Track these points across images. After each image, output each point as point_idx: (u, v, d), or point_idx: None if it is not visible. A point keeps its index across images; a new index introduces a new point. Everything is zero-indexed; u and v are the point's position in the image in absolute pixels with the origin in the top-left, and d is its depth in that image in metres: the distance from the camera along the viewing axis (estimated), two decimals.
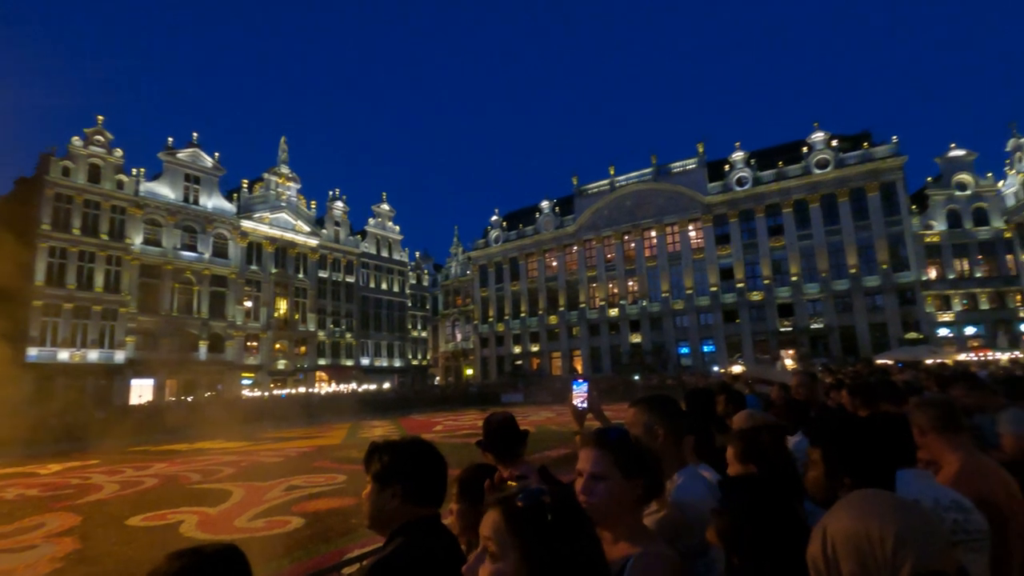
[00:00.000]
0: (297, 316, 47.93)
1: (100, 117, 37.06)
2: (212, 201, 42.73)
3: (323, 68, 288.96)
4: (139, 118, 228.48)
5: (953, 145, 40.90)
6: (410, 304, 61.60)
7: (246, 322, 43.96)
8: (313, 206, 51.36)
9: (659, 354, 45.47)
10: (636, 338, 47.72)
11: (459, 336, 62.87)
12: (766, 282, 43.12)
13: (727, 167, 45.98)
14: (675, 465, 1.91)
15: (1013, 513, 1.98)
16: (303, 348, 48.24)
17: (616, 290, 49.93)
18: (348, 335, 52.82)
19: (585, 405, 2.51)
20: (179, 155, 40.97)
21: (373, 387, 45.51)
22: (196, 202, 41.71)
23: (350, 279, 54.18)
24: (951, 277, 39.13)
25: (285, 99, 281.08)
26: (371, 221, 58.19)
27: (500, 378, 52.59)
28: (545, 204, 55.40)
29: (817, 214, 41.93)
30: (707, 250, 45.80)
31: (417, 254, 66.61)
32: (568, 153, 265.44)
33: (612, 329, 49.33)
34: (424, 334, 64.59)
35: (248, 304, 44.37)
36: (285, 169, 48.55)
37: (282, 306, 47.08)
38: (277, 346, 46.11)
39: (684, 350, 45.87)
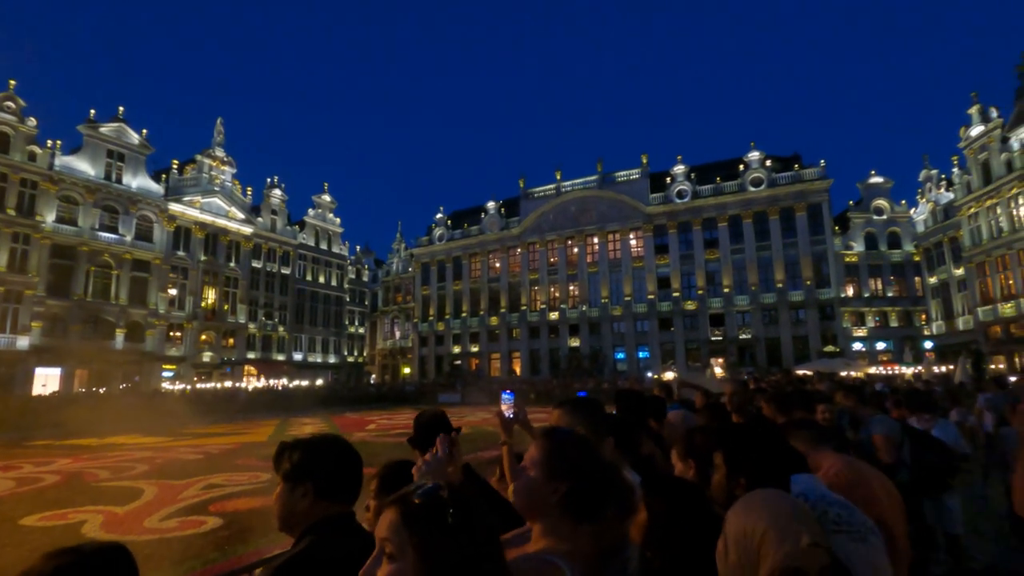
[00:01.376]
0: (227, 307, 45.70)
1: (12, 82, 34.05)
2: (137, 180, 40.08)
3: (268, 53, 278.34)
4: (63, 89, 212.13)
5: (873, 172, 43.90)
6: (348, 299, 60.05)
7: (170, 311, 41.48)
8: (249, 193, 49.17)
9: (596, 359, 46.30)
10: (575, 342, 48.42)
11: (398, 334, 61.81)
12: (700, 292, 44.76)
13: (669, 179, 47.47)
14: None
15: (892, 511, 2.16)
16: (231, 340, 46.04)
17: (557, 294, 50.52)
18: (281, 328, 50.87)
19: (512, 415, 2.55)
20: (102, 129, 38.19)
21: (306, 383, 43.97)
22: (119, 180, 38.98)
23: (286, 271, 52.22)
24: (866, 295, 41.93)
25: (226, 82, 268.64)
26: (311, 212, 56.34)
27: (438, 378, 52.07)
28: (491, 205, 55.39)
29: (750, 230, 43.93)
30: (646, 259, 47.07)
31: (358, 248, 65.10)
32: (516, 154, 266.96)
33: (552, 332, 49.85)
34: (362, 330, 63.11)
35: (173, 292, 41.87)
36: (220, 152, 46.23)
37: (211, 296, 44.75)
38: (203, 337, 43.78)
39: (620, 355, 46.91)
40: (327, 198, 57.86)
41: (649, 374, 41.52)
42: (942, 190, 39.24)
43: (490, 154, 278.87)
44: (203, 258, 44.07)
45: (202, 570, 5.77)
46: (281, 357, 50.49)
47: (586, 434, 1.88)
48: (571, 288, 50.20)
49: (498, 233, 54.03)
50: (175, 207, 42.09)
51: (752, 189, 44.27)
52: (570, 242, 50.63)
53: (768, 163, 44.55)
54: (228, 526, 7.48)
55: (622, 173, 50.02)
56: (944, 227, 38.46)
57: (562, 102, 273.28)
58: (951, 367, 26.60)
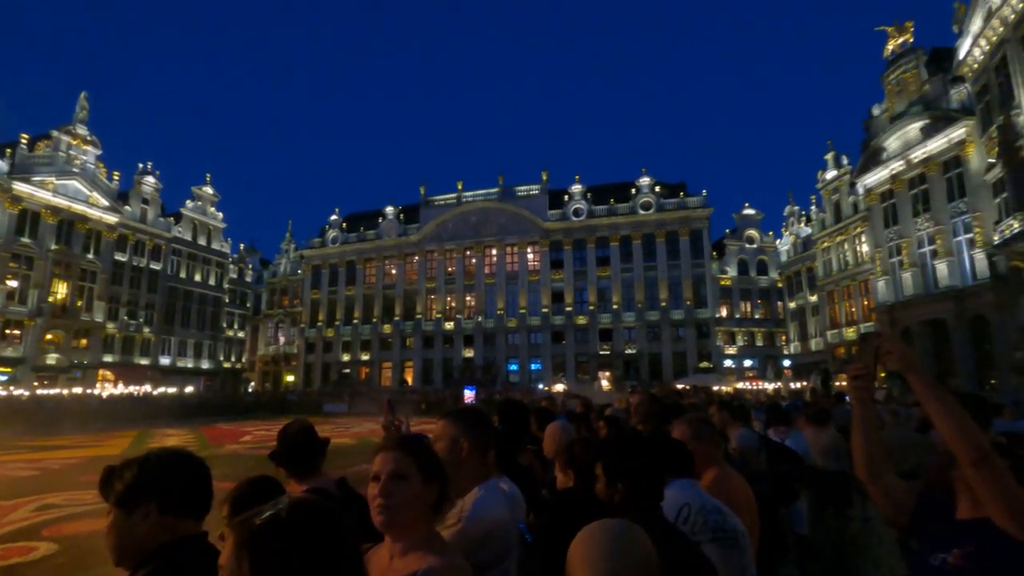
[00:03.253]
0: (80, 303, 40.63)
1: None
2: None
3: (150, 26, 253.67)
4: None
5: (747, 204, 48.36)
6: (227, 300, 55.77)
7: (7, 305, 36.16)
8: (117, 178, 44.29)
9: (489, 370, 46.53)
10: (469, 352, 48.36)
11: (282, 339, 58.23)
12: (591, 308, 46.57)
13: (566, 197, 49.15)
14: (477, 478, 1.91)
15: (750, 517, 2.46)
16: (84, 341, 40.96)
17: (454, 304, 50.28)
18: (146, 330, 46.12)
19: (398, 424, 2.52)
20: None
21: (173, 390, 40.07)
22: None
23: (156, 266, 47.54)
24: (737, 316, 45.87)
25: (99, 57, 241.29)
26: (189, 204, 51.81)
27: (325, 386, 49.70)
28: (390, 210, 54.17)
29: (639, 250, 46.51)
30: (542, 273, 48.24)
31: (241, 246, 60.76)
32: (416, 161, 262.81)
33: (446, 342, 49.45)
34: (241, 334, 58.81)
35: (13, 283, 36.48)
36: (82, 129, 41.21)
37: (61, 290, 39.57)
38: (49, 337, 38.54)
39: (513, 367, 47.51)
40: (209, 190, 53.54)
41: (540, 386, 42.41)
42: (802, 224, 43.96)
43: (390, 159, 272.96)
44: (54, 247, 38.93)
45: None
46: (145, 361, 45.73)
47: (471, 445, 1.92)
48: (468, 298, 50.20)
49: (396, 239, 52.90)
50: (21, 187, 36.89)
51: (642, 212, 46.95)
52: (469, 252, 50.70)
53: (657, 189, 47.52)
54: (65, 552, 6.56)
55: (523, 188, 51.05)
56: (803, 258, 43.06)
57: (464, 113, 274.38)
58: (805, 383, 29.68)
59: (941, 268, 27.86)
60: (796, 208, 45.64)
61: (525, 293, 48.36)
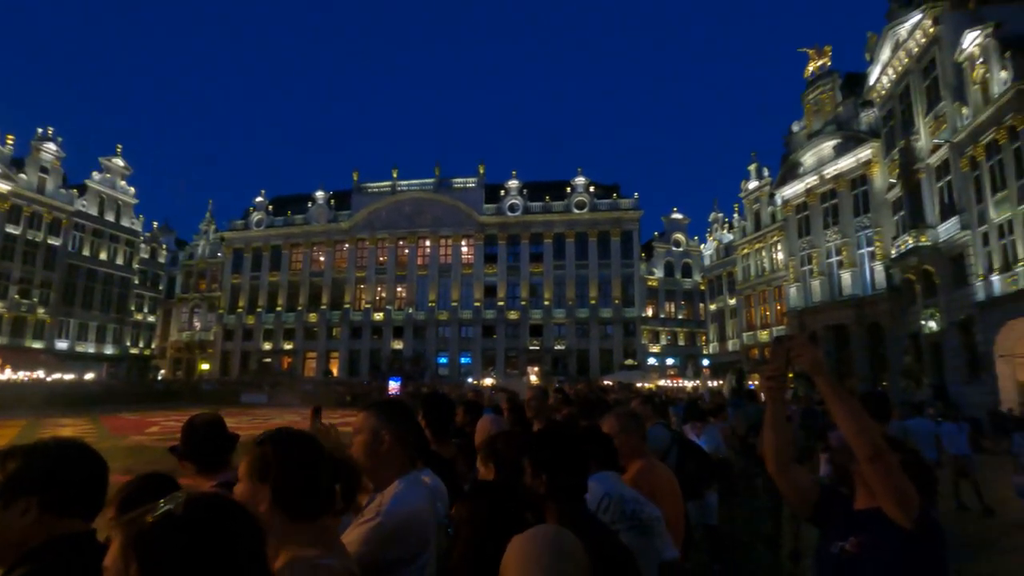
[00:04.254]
0: None
1: None
2: None
3: None
4: None
5: (675, 209, 50.32)
6: (137, 282, 52.00)
7: None
8: (10, 142, 40.24)
9: (418, 362, 45.99)
10: (398, 344, 47.57)
11: (198, 325, 55.00)
12: (523, 303, 46.95)
13: (503, 192, 49.21)
14: (398, 471, 1.89)
15: (673, 505, 2.70)
16: None
17: (384, 294, 49.27)
18: (41, 310, 42.26)
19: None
20: None
21: (71, 377, 36.96)
22: None
23: (55, 241, 43.58)
24: (662, 316, 47.64)
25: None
26: (96, 175, 47.73)
27: (243, 375, 47.41)
28: (320, 195, 52.27)
29: (571, 248, 47.29)
30: (476, 266, 48.11)
31: (155, 224, 56.83)
32: (350, 146, 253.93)
33: (375, 333, 48.40)
34: (152, 319, 55.03)
35: None
36: None
37: None
38: None
39: (443, 360, 47.18)
40: (119, 162, 49.55)
41: (470, 379, 42.35)
42: (725, 231, 46.18)
43: (322, 142, 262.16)
44: None
45: None
46: (39, 345, 41.92)
47: (392, 438, 1.89)
48: (399, 289, 49.33)
49: (325, 225, 51.14)
50: None
51: (576, 211, 47.75)
52: (402, 242, 49.79)
53: (592, 189, 48.48)
54: None
55: (459, 180, 50.66)
56: (724, 263, 45.24)
57: (400, 102, 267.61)
58: (721, 382, 31.22)
59: (845, 278, 30.04)
60: (720, 215, 47.89)
61: (458, 286, 48.08)
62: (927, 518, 1.61)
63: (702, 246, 49.53)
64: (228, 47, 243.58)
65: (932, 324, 23.92)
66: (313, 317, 49.59)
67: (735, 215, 44.14)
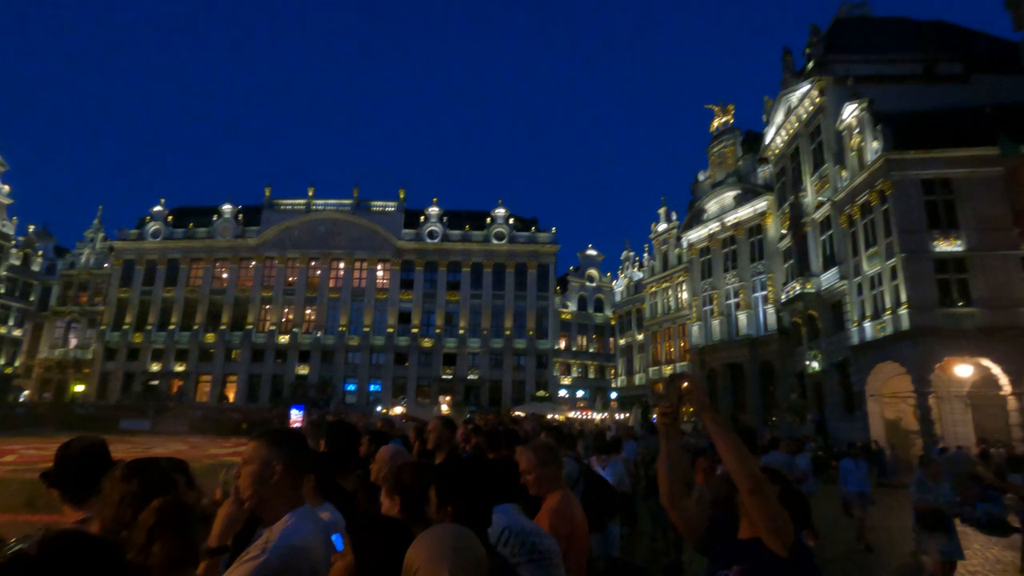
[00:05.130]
0: None
1: None
2: None
3: None
4: None
5: (590, 245, 52.23)
6: (3, 291, 46.43)
7: None
8: None
9: (325, 389, 43.98)
10: (303, 369, 45.32)
11: (74, 341, 49.64)
12: (437, 331, 46.40)
13: (423, 218, 48.93)
14: (289, 504, 1.78)
15: (582, 537, 2.76)
16: None
17: (292, 316, 46.99)
18: None
19: None
20: None
21: None
22: None
23: None
24: (574, 349, 48.72)
25: None
26: None
27: (125, 399, 43.13)
28: (228, 208, 49.48)
29: (488, 279, 47.57)
30: (391, 292, 47.15)
31: (31, 228, 51.38)
32: (263, 160, 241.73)
33: (279, 357, 45.86)
34: (18, 332, 49.15)
35: None
36: None
37: None
38: None
39: (351, 387, 45.43)
40: None
41: (379, 408, 40.98)
42: (636, 269, 48.35)
43: (232, 154, 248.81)
44: None
45: None
46: None
47: (283, 469, 1.78)
48: (308, 312, 47.26)
49: (231, 240, 48.35)
50: None
51: (495, 242, 48.28)
52: (314, 263, 47.96)
53: (511, 221, 49.31)
54: None
55: (378, 203, 49.87)
56: (634, 299, 47.22)
57: (320, 119, 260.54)
58: (628, 415, 32.19)
59: (742, 318, 32.21)
60: (632, 254, 50.20)
61: (371, 311, 46.79)
62: (800, 547, 1.70)
63: (614, 282, 51.51)
64: (133, 45, 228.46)
65: (815, 364, 26.05)
66: (211, 337, 46.29)
67: (645, 254, 46.44)
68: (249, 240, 48.12)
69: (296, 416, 30.13)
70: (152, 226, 49.46)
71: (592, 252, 52.01)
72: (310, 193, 49.50)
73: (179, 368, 46.02)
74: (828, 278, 25.39)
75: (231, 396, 45.09)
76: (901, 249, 20.36)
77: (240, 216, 49.30)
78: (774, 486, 1.75)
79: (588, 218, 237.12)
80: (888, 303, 21.10)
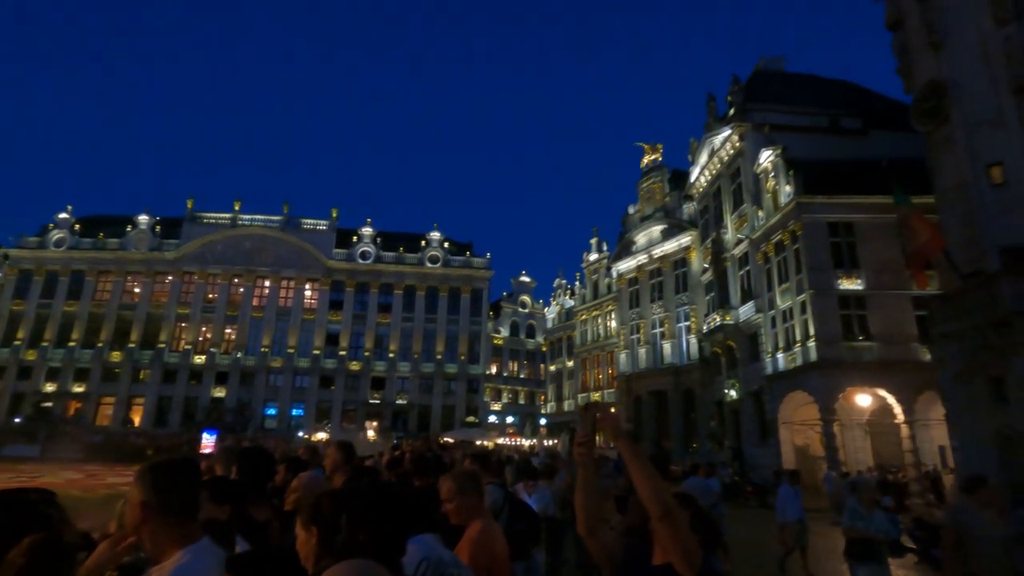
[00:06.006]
0: None
1: None
2: None
3: None
4: None
5: (524, 272, 52.90)
6: None
7: None
8: None
9: (242, 412, 41.67)
10: (220, 392, 42.79)
11: None
12: (367, 354, 45.22)
13: (355, 238, 47.97)
14: (182, 540, 1.66)
15: (501, 568, 2.78)
16: None
17: (210, 335, 44.43)
18: None
19: None
20: None
21: None
22: None
23: None
24: (505, 375, 48.75)
25: None
26: None
27: (8, 423, 39.01)
28: (144, 218, 46.55)
29: (421, 302, 47.05)
30: (319, 312, 45.66)
31: None
32: (184, 171, 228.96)
33: (193, 378, 43.09)
34: None
35: None
36: None
37: None
38: None
39: (271, 411, 43.27)
40: None
41: (301, 433, 39.22)
42: (568, 297, 49.28)
43: (153, 163, 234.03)
44: None
45: None
46: None
47: (159, 507, 1.64)
48: (228, 331, 44.86)
49: (147, 253, 45.40)
50: None
51: (429, 265, 47.95)
52: (237, 280, 45.75)
53: (446, 245, 49.21)
54: None
55: (309, 221, 48.49)
56: (565, 326, 47.99)
57: (248, 131, 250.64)
58: (556, 441, 32.42)
59: (667, 347, 33.43)
60: (564, 281, 51.18)
61: (296, 332, 45.02)
62: (710, 570, 1.78)
63: (546, 309, 52.23)
64: (51, 41, 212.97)
65: (733, 393, 27.34)
66: (117, 356, 42.93)
67: (577, 283, 47.47)
68: (167, 254, 45.37)
69: (208, 441, 28.34)
70: (56, 234, 45.72)
71: (526, 279, 52.66)
72: (236, 207, 47.47)
73: (78, 389, 42.28)
74: (746, 311, 26.88)
75: (137, 419, 41.86)
76: (810, 286, 21.90)
77: (158, 228, 46.49)
78: (685, 511, 1.82)
79: (522, 245, 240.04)
80: (798, 336, 22.55)
